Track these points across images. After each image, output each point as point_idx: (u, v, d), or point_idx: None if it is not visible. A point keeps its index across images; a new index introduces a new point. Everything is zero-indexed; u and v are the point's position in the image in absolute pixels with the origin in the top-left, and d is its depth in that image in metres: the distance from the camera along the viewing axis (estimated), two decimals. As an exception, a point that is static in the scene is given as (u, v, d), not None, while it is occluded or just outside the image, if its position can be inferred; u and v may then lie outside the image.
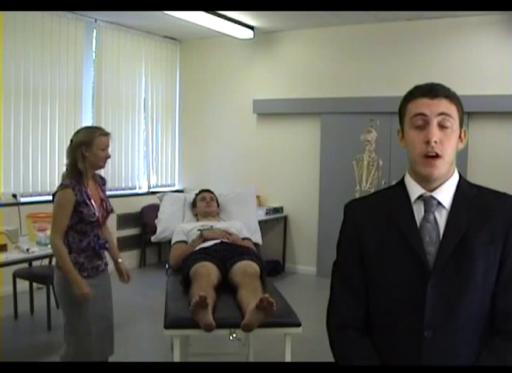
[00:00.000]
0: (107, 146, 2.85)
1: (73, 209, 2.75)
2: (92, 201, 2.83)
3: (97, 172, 3.00)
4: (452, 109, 1.32)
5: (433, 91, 1.33)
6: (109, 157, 2.89)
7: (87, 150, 2.78)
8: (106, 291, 2.97)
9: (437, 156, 1.30)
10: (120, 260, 3.10)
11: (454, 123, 1.32)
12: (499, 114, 5.24)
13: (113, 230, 6.24)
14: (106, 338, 2.94)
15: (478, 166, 5.32)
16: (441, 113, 1.31)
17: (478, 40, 5.51)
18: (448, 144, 1.31)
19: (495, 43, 5.43)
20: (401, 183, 1.42)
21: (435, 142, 1.29)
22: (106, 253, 3.04)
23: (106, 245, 2.95)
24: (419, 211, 1.36)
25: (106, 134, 2.87)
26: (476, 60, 5.50)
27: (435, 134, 1.30)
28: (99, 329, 2.87)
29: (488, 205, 1.35)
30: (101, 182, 3.01)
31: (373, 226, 1.39)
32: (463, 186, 1.38)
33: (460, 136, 1.35)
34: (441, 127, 1.31)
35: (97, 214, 2.84)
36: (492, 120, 5.15)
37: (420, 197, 1.36)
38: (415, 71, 5.63)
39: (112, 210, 3.01)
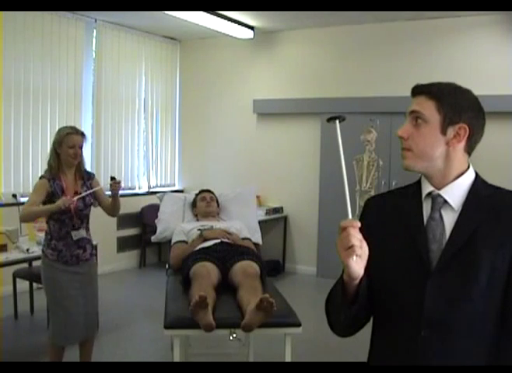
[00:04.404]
0: (75, 145, 3.05)
1: (48, 198, 3.02)
2: (67, 194, 3.04)
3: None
4: (426, 105, 1.31)
5: (413, 90, 1.36)
6: (78, 155, 3.06)
7: (59, 148, 3.07)
8: (85, 279, 3.17)
9: (406, 149, 1.35)
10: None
11: (427, 119, 1.31)
12: (499, 114, 5.24)
13: (113, 230, 6.28)
14: (82, 323, 3.15)
15: (478, 166, 5.21)
16: (412, 111, 1.34)
17: (478, 40, 5.52)
18: (419, 140, 1.32)
19: (495, 43, 5.44)
20: (419, 181, 1.43)
21: (402, 138, 1.34)
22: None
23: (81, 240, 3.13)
24: (427, 209, 1.37)
25: (74, 133, 3.06)
26: (476, 60, 5.50)
27: (402, 129, 1.35)
28: (76, 314, 3.10)
29: (501, 206, 1.32)
30: (86, 177, 3.21)
31: (383, 223, 1.40)
32: (477, 186, 1.37)
33: (445, 132, 1.31)
34: (414, 123, 1.34)
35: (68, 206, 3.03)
36: (492, 120, 5.11)
37: (429, 195, 1.37)
38: (415, 71, 5.64)
39: (92, 204, 3.21)
